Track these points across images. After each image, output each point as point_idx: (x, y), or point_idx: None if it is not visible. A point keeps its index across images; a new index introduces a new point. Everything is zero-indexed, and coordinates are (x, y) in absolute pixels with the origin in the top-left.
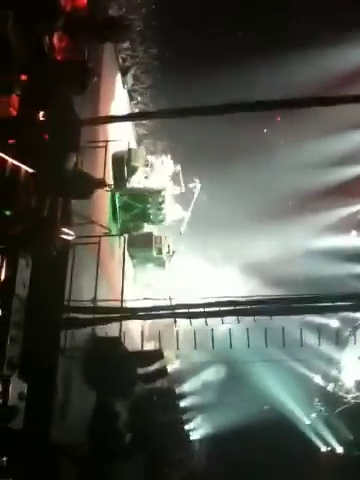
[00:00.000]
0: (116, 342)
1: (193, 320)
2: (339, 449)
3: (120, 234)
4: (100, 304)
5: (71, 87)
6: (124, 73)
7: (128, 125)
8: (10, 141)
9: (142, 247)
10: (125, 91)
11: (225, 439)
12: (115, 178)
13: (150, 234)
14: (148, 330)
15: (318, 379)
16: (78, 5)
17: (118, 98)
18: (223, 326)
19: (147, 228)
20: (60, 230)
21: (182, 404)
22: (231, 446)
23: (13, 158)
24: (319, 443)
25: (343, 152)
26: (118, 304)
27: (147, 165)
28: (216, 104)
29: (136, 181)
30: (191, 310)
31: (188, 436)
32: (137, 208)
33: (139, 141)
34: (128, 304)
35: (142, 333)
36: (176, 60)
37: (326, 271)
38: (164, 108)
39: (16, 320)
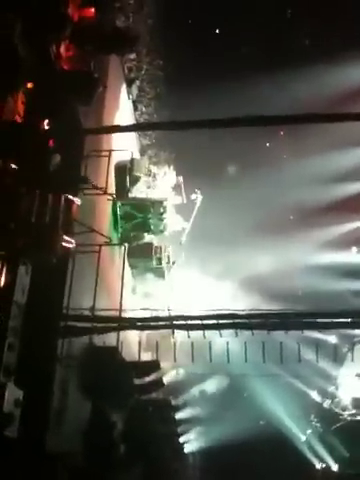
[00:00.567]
0: (113, 352)
1: (191, 332)
2: (334, 467)
3: (120, 243)
4: (99, 313)
5: (77, 97)
6: (129, 84)
7: (132, 135)
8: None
9: (142, 257)
10: (130, 102)
11: (220, 452)
12: (117, 187)
13: (150, 244)
14: (146, 340)
15: (315, 395)
16: (85, 15)
17: (123, 108)
18: (221, 339)
19: (148, 238)
20: (61, 238)
21: (178, 416)
22: (225, 460)
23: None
24: (314, 460)
25: (345, 168)
26: (117, 313)
27: (149, 175)
28: (219, 118)
29: (138, 191)
30: (189, 322)
31: (183, 448)
32: (138, 218)
33: (142, 151)
34: (127, 314)
35: (139, 343)
36: (181, 72)
37: (325, 287)
38: (168, 120)
39: (14, 327)
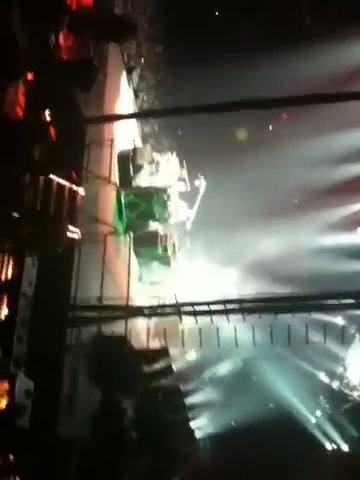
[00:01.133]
0: (122, 340)
1: (199, 318)
2: (345, 447)
3: (126, 232)
4: (106, 302)
5: (77, 85)
6: (129, 72)
7: (133, 123)
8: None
9: (147, 245)
10: (131, 89)
11: (230, 436)
12: (120, 176)
13: (156, 232)
14: (154, 328)
15: (323, 377)
16: (84, 3)
17: (123, 97)
18: (229, 324)
19: (153, 226)
20: (66, 228)
21: (188, 401)
22: (236, 443)
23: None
24: (324, 441)
25: (349, 149)
26: (124, 302)
27: (152, 163)
28: (221, 102)
29: (141, 179)
30: (197, 308)
31: (193, 433)
32: (142, 206)
33: (144, 139)
34: (134, 302)
35: (148, 331)
36: (181, 58)
37: (332, 269)
38: (169, 106)
39: (22, 318)
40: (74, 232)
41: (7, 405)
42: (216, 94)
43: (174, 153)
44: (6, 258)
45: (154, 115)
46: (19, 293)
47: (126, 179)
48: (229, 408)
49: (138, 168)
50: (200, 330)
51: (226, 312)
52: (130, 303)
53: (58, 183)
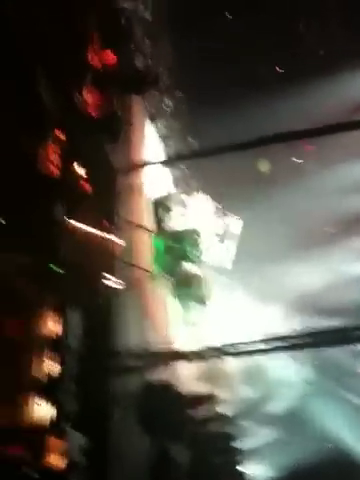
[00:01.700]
0: (167, 387)
1: (244, 358)
2: None
3: (162, 276)
4: (148, 348)
5: (104, 137)
6: (154, 119)
7: (162, 168)
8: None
9: (184, 287)
10: (156, 136)
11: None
12: (153, 221)
13: (191, 273)
14: (198, 371)
15: None
16: (105, 59)
17: (150, 143)
18: (276, 362)
19: (188, 267)
20: (105, 278)
21: (238, 446)
22: None
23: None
24: None
25: None
26: (166, 347)
27: (184, 205)
28: (246, 140)
29: (174, 222)
30: (241, 348)
31: (248, 479)
32: (176, 249)
33: (174, 183)
34: (176, 346)
35: (192, 375)
36: (203, 101)
37: None
38: (195, 149)
39: (70, 373)
40: (113, 281)
41: (60, 462)
42: (241, 132)
43: (205, 194)
44: (49, 313)
45: (181, 159)
46: (65, 347)
47: (158, 223)
48: (283, 450)
49: (170, 212)
50: (246, 370)
51: (271, 350)
52: (172, 347)
53: (93, 234)
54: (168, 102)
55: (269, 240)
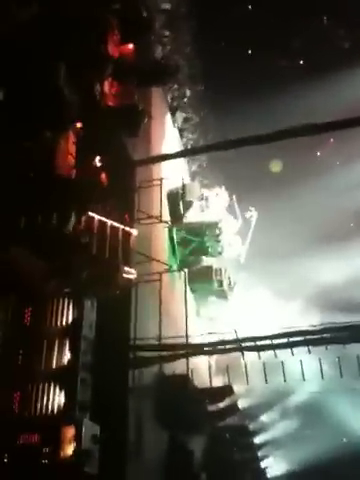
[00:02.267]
0: (184, 379)
1: (262, 353)
2: None
3: (180, 269)
4: (165, 341)
5: (124, 130)
6: (173, 112)
7: (181, 161)
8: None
9: (202, 281)
10: (175, 129)
11: (304, 475)
12: (171, 214)
13: (210, 267)
14: (215, 365)
15: None
16: (125, 51)
17: (169, 136)
18: (294, 357)
19: (206, 261)
20: (122, 270)
21: (256, 440)
22: None
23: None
24: None
25: None
26: (183, 340)
27: (202, 199)
28: (266, 133)
29: (192, 215)
30: (259, 343)
31: (265, 473)
32: (195, 242)
33: (192, 176)
34: (193, 339)
35: (210, 368)
36: (223, 93)
37: None
38: (214, 142)
39: (85, 362)
40: (130, 273)
41: (74, 451)
42: (260, 125)
43: (223, 187)
44: (66, 303)
45: (200, 152)
46: (81, 337)
47: (177, 216)
48: (300, 445)
49: (188, 205)
50: (264, 365)
51: (290, 345)
52: (189, 340)
53: (112, 226)
54: (188, 94)
55: (288, 234)
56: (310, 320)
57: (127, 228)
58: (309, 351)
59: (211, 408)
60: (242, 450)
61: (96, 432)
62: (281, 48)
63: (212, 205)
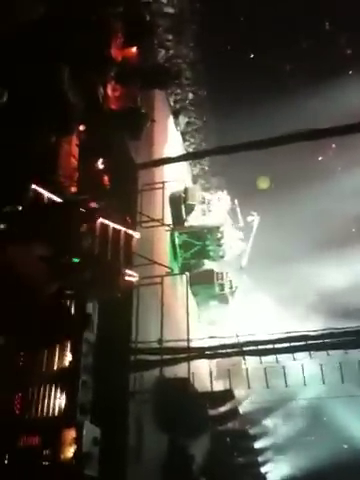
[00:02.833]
0: (185, 383)
1: (263, 357)
2: None
3: (181, 273)
4: (166, 344)
5: (127, 133)
6: (176, 115)
7: (183, 165)
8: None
9: (204, 284)
10: (178, 132)
11: None
12: (173, 217)
13: (211, 271)
14: (216, 369)
15: None
16: (128, 55)
17: (171, 140)
18: (295, 362)
19: (208, 265)
20: (123, 272)
21: (256, 445)
22: None
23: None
24: None
25: None
26: (184, 344)
27: (204, 202)
28: (267, 137)
29: (194, 219)
30: (260, 347)
31: (265, 478)
32: (196, 246)
33: (194, 180)
34: (194, 343)
35: (210, 373)
36: (225, 98)
37: None
38: (216, 146)
39: (86, 365)
40: (131, 276)
41: (75, 454)
42: (262, 130)
43: (225, 191)
44: (67, 305)
45: (202, 155)
46: (82, 339)
47: (179, 220)
48: (301, 450)
49: (190, 208)
50: (265, 370)
51: (291, 350)
52: (191, 344)
53: (113, 228)
54: (191, 98)
55: (289, 239)
56: (311, 325)
57: (129, 231)
58: (310, 356)
59: (212, 412)
60: (242, 454)
61: (97, 435)
62: (283, 53)
63: (214, 209)
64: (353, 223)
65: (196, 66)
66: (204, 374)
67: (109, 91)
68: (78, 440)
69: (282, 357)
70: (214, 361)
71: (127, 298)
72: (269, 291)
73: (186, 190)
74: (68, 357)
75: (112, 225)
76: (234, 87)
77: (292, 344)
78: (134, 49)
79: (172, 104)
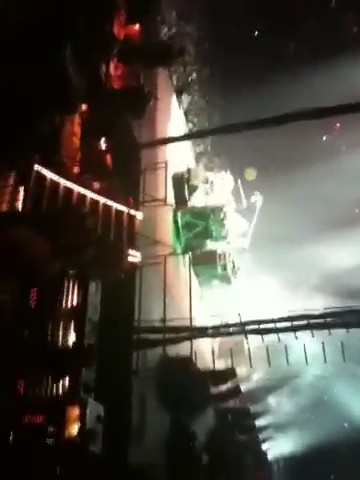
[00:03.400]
0: (187, 361)
1: (265, 336)
2: None
3: (184, 253)
4: (169, 323)
5: (130, 112)
6: (179, 94)
7: (186, 145)
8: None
9: (207, 264)
10: (181, 112)
11: (305, 457)
12: (176, 197)
13: (214, 251)
14: (218, 348)
15: None
16: (131, 33)
17: (174, 119)
18: (297, 341)
19: (210, 245)
20: (126, 252)
21: (258, 423)
22: (310, 464)
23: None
24: None
25: None
26: (187, 323)
27: (207, 182)
28: (272, 116)
29: (197, 199)
30: (262, 326)
31: (266, 455)
32: (199, 226)
33: (197, 159)
34: (196, 322)
35: (213, 351)
36: (229, 77)
37: None
38: (219, 125)
39: (90, 343)
40: (134, 255)
41: (79, 431)
42: (266, 109)
43: (228, 171)
44: (70, 285)
45: (205, 134)
46: (85, 319)
47: (182, 200)
48: (302, 428)
49: (193, 188)
50: (267, 349)
51: (293, 329)
52: (193, 323)
53: (116, 208)
54: (194, 77)
55: (292, 219)
56: (315, 305)
57: (132, 211)
58: (312, 335)
59: (214, 390)
60: (244, 432)
61: (100, 412)
62: (288, 32)
63: (217, 189)
64: (357, 204)
65: (200, 44)
66: (206, 353)
67: (111, 69)
68: (82, 417)
69: (284, 336)
70: (216, 340)
71: (130, 278)
72: (272, 272)
73: (189, 170)
74: (72, 336)
75: (115, 205)
76: (238, 66)
77: (294, 323)
78: (137, 26)
79: (175, 83)
